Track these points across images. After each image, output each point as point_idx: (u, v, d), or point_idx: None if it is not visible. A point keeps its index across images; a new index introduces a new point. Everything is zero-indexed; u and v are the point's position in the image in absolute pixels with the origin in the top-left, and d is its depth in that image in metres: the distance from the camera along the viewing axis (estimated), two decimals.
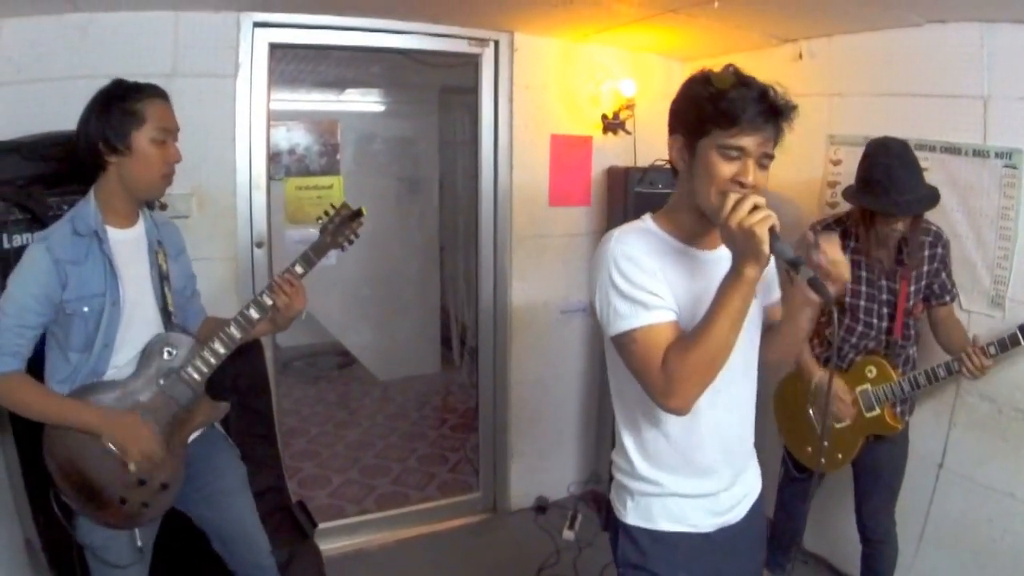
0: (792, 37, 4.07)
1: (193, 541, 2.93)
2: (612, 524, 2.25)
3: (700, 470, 2.05)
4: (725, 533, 2.11)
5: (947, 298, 3.25)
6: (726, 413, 2.04)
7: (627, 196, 4.35)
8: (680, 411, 1.81)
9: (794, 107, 1.83)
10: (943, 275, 3.22)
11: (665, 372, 1.78)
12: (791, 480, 3.66)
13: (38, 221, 2.86)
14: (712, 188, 1.82)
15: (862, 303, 3.28)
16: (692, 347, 1.76)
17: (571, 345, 5.00)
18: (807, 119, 3.58)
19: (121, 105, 2.49)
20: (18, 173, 2.90)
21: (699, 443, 2.03)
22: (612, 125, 4.65)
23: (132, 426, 2.50)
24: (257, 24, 3.79)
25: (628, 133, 4.68)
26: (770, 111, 1.79)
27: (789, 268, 1.79)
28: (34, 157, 2.95)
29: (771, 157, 1.85)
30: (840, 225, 3.29)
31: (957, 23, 3.28)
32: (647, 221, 2.06)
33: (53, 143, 3.00)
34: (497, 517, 4.93)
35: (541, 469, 5.01)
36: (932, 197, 3.06)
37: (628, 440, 2.11)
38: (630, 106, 4.61)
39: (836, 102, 3.90)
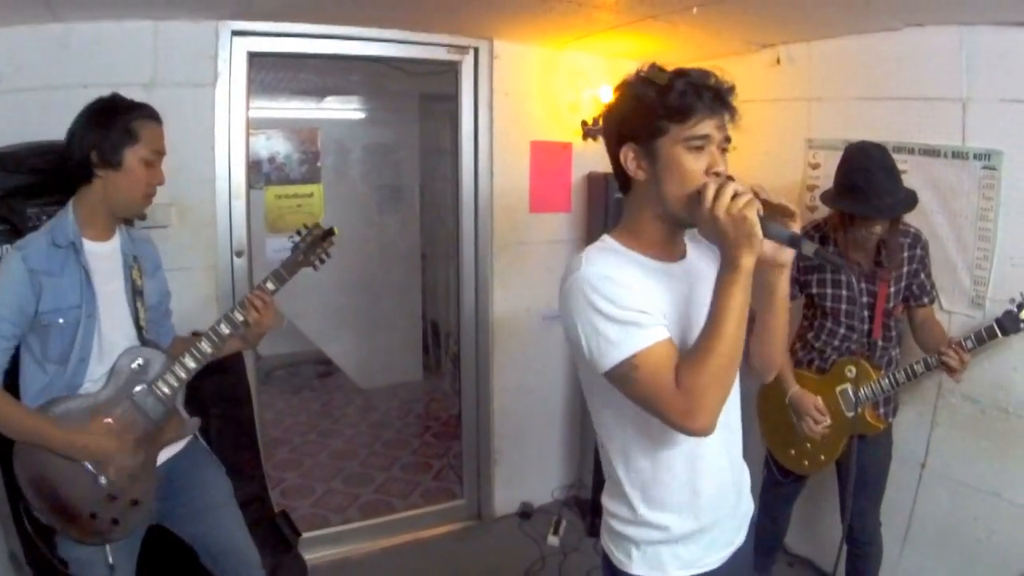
0: (771, 42, 4.09)
1: (182, 558, 2.91)
2: (609, 572, 2.07)
3: (708, 500, 1.94)
4: (732, 562, 2.04)
5: (926, 299, 3.27)
6: (725, 431, 1.91)
7: (607, 202, 4.36)
8: (706, 430, 1.66)
9: (733, 86, 1.77)
10: (922, 276, 3.24)
11: (682, 391, 1.63)
12: (775, 483, 3.66)
13: (17, 232, 2.86)
14: (686, 187, 1.74)
15: (843, 306, 3.30)
16: (705, 356, 1.64)
17: (554, 351, 5.00)
18: (786, 123, 3.59)
19: (119, 120, 2.53)
20: None
21: (705, 469, 1.92)
22: (592, 131, 4.66)
23: (98, 448, 2.49)
24: (236, 33, 3.78)
25: None
26: (719, 94, 1.73)
27: (790, 246, 1.76)
28: (13, 168, 2.94)
29: (729, 140, 1.79)
30: (819, 231, 3.31)
31: (935, 26, 3.30)
32: (607, 241, 1.91)
33: (33, 154, 3.00)
34: (481, 524, 4.93)
35: (525, 475, 5.02)
36: (910, 200, 3.08)
37: (627, 484, 1.94)
38: None
39: (815, 106, 3.91)
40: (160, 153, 2.65)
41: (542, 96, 4.65)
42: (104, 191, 2.55)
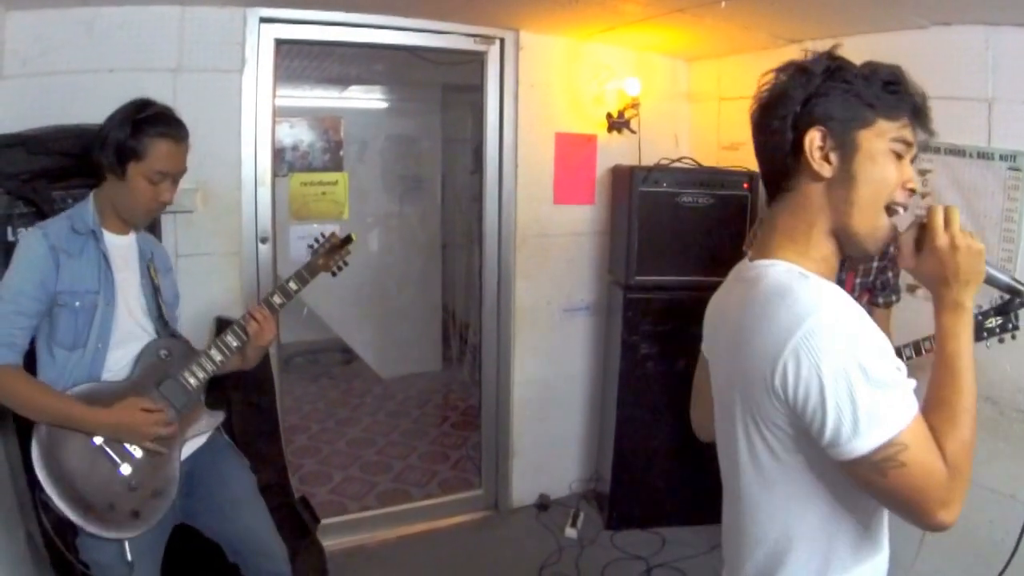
0: (798, 38, 4.06)
1: (208, 559, 2.91)
2: None
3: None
4: None
5: (880, 299, 3.28)
6: None
7: (631, 195, 4.34)
8: (954, 521, 1.29)
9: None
10: (889, 274, 3.26)
11: (950, 471, 1.29)
12: None
13: (42, 215, 2.88)
14: (879, 196, 1.44)
15: None
16: (959, 420, 1.33)
17: (574, 343, 5.01)
18: None
19: (134, 130, 2.51)
20: (23, 167, 2.91)
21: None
22: (617, 124, 4.66)
23: (130, 416, 2.48)
24: (263, 19, 3.80)
25: (633, 132, 4.69)
26: (923, 106, 1.48)
27: (1007, 292, 1.57)
28: (39, 151, 2.95)
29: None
30: None
31: (962, 26, 3.28)
32: (789, 267, 1.47)
33: (58, 137, 3.01)
34: (499, 515, 4.94)
35: (543, 467, 5.02)
36: None
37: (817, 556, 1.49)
38: (635, 105, 4.61)
39: None
40: (166, 174, 2.60)
41: (567, 88, 4.65)
42: (109, 193, 2.59)
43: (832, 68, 1.45)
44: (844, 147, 1.42)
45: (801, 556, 1.48)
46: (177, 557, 2.80)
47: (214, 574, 2.97)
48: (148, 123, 2.55)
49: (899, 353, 2.82)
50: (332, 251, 3.03)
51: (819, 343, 1.28)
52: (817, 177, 1.44)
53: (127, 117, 2.53)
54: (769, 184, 1.55)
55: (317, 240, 3.05)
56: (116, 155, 2.50)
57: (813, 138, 1.42)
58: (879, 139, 1.41)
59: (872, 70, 1.44)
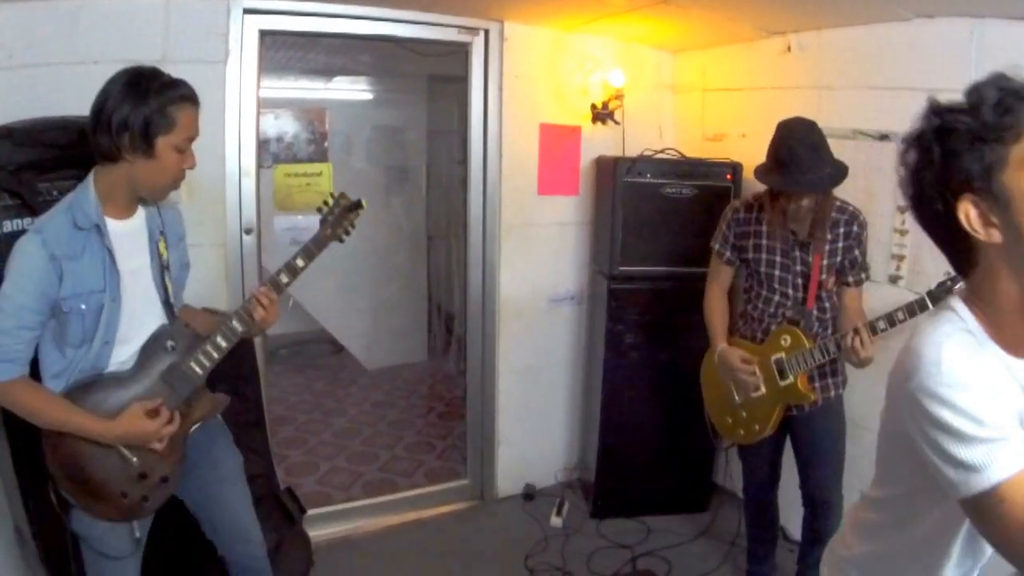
0: (781, 30, 4.08)
1: (187, 531, 2.92)
2: None
3: None
4: None
5: (850, 278, 3.35)
6: None
7: (615, 186, 4.36)
8: None
9: None
10: (856, 252, 3.33)
11: None
12: (748, 483, 3.81)
13: (28, 207, 2.85)
14: None
15: (777, 273, 3.39)
16: None
17: (559, 333, 5.03)
18: (796, 111, 3.60)
19: (156, 100, 2.38)
20: (9, 159, 2.88)
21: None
22: (601, 115, 4.67)
23: (135, 426, 2.45)
24: (247, 11, 3.79)
25: (617, 123, 4.70)
26: None
27: None
28: (26, 143, 2.93)
29: None
30: (757, 200, 3.43)
31: (946, 18, 3.30)
32: (965, 317, 1.40)
33: (45, 129, 2.99)
34: (484, 504, 4.95)
35: (528, 456, 5.04)
36: (835, 176, 3.17)
37: (891, 546, 1.63)
38: (619, 96, 4.62)
39: (824, 95, 3.90)
40: (193, 139, 2.52)
41: (552, 79, 4.66)
42: (129, 174, 2.44)
43: (922, 134, 1.40)
44: (998, 203, 1.27)
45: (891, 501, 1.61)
46: (159, 530, 2.80)
47: (194, 547, 3.00)
48: (169, 87, 2.44)
49: (873, 328, 3.05)
50: (342, 216, 2.85)
51: (911, 397, 1.33)
52: (992, 245, 1.30)
53: (143, 85, 2.41)
54: (951, 261, 1.45)
55: (326, 203, 2.87)
56: (145, 131, 2.37)
57: (967, 212, 1.30)
58: (1020, 170, 1.26)
59: (976, 102, 1.33)
